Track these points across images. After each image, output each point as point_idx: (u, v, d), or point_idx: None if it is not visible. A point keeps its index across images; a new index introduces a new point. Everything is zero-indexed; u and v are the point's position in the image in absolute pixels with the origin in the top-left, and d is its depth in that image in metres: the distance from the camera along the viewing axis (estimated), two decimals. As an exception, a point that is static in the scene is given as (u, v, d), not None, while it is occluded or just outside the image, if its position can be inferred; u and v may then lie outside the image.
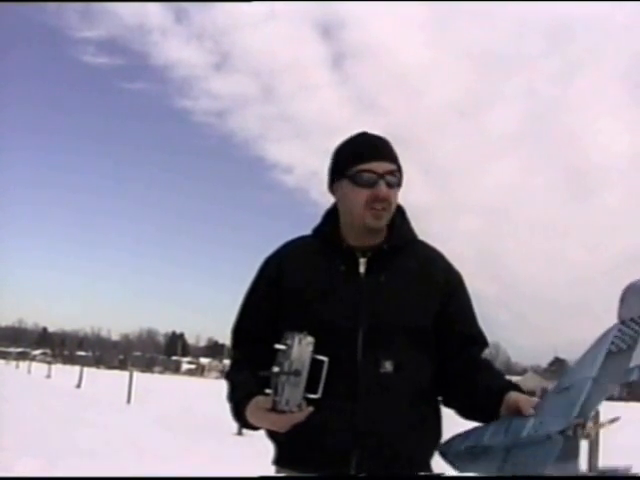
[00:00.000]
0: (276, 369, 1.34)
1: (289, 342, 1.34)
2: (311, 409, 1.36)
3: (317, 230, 1.65)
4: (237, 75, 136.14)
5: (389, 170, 1.53)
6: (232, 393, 1.53)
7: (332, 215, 1.63)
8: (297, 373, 1.32)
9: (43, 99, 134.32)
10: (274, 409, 1.34)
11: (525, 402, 1.34)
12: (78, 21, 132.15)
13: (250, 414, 1.43)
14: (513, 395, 1.39)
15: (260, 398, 1.39)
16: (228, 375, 1.60)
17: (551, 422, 1.22)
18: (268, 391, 1.35)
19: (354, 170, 1.53)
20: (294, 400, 1.33)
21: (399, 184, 1.56)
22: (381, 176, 1.51)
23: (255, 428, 1.47)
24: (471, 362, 1.56)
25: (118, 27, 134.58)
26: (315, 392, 1.36)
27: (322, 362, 1.38)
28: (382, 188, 1.51)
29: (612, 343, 1.22)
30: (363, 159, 1.53)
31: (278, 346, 1.35)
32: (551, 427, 1.21)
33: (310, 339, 1.35)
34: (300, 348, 1.34)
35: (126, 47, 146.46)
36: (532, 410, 1.30)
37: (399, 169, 1.57)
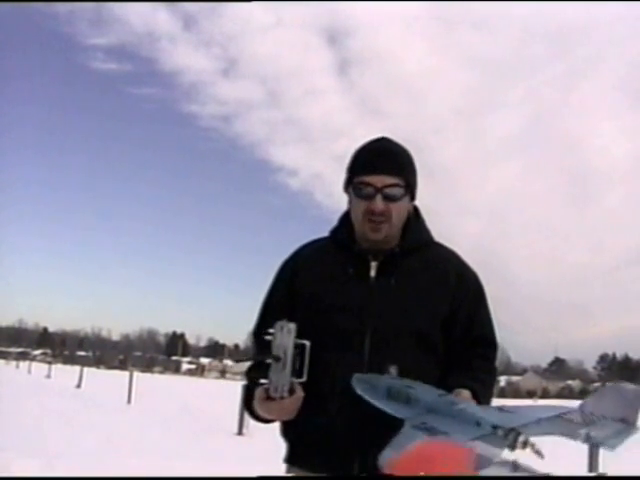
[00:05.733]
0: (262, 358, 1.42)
1: (272, 331, 1.40)
2: (302, 394, 1.42)
3: (333, 233, 1.66)
4: (244, 81, 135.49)
5: (389, 184, 1.52)
6: (246, 394, 1.58)
7: (347, 218, 1.63)
8: (277, 359, 1.38)
9: (52, 104, 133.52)
10: (268, 397, 1.41)
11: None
12: (88, 28, 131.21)
13: (256, 408, 1.50)
14: (456, 392, 1.40)
15: (258, 390, 1.45)
16: (247, 374, 1.61)
17: (487, 416, 1.20)
18: (263, 381, 1.41)
19: (356, 181, 1.55)
20: (282, 386, 1.40)
21: (403, 197, 1.55)
22: (379, 190, 1.51)
23: (269, 421, 1.54)
24: (463, 361, 1.56)
25: (127, 34, 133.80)
26: (300, 376, 1.41)
27: (304, 346, 1.42)
28: (378, 203, 1.51)
29: (566, 413, 1.20)
30: (364, 171, 1.54)
31: (267, 337, 1.40)
32: (485, 418, 1.19)
33: (292, 326, 1.40)
34: (282, 335, 1.39)
35: (135, 53, 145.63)
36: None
37: (406, 182, 1.55)
